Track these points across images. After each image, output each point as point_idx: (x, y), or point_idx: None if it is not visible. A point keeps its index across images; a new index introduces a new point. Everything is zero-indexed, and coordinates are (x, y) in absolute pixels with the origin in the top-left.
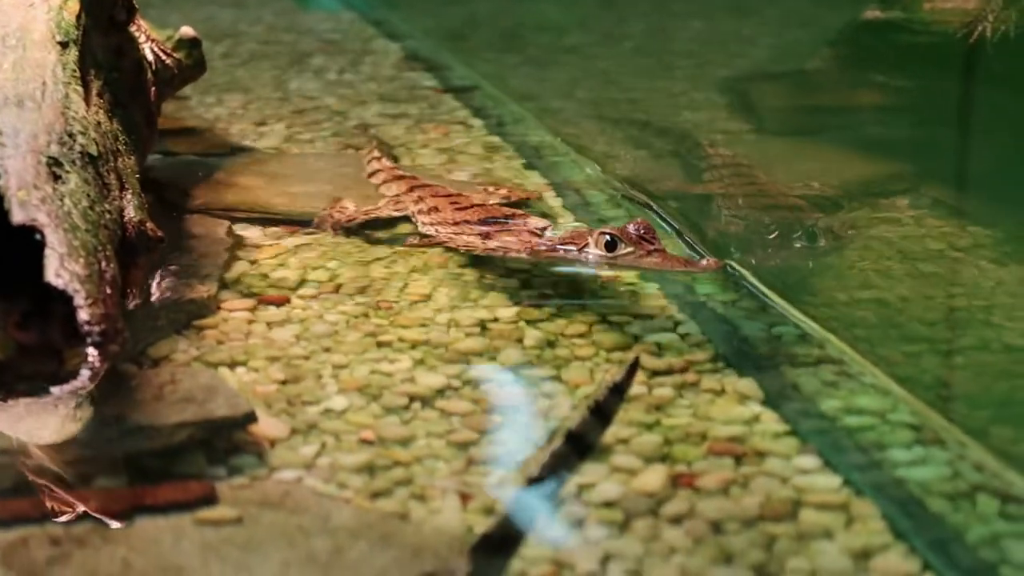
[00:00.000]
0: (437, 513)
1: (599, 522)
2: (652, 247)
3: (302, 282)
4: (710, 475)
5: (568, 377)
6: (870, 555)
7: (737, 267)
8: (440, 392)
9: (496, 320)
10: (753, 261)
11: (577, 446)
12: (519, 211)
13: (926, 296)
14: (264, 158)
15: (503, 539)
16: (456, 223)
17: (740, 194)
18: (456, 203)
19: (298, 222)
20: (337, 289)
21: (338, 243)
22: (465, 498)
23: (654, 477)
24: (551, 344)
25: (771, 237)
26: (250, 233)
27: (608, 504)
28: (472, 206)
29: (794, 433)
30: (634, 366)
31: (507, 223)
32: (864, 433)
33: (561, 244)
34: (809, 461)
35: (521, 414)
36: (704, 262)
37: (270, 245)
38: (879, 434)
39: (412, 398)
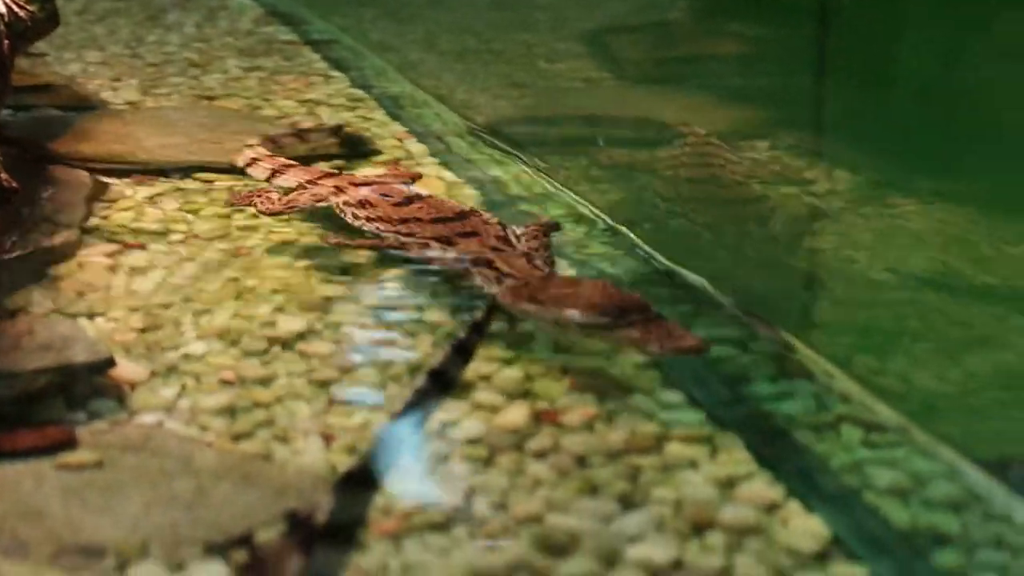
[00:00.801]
0: (300, 453)
1: (464, 458)
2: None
3: (162, 231)
4: (574, 411)
5: (430, 318)
6: (735, 484)
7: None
8: (301, 336)
9: (358, 265)
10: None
11: (439, 383)
12: (468, 207)
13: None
14: (122, 111)
15: (366, 476)
16: (403, 221)
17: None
18: (388, 196)
19: (156, 172)
20: (197, 237)
21: (199, 191)
22: (328, 438)
23: (517, 414)
24: (414, 287)
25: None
26: (109, 183)
27: (472, 441)
28: (413, 200)
29: (656, 366)
30: (494, 305)
31: (463, 222)
32: (725, 365)
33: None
34: (673, 396)
35: (383, 355)
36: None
37: (129, 195)
38: (741, 367)
39: (273, 341)
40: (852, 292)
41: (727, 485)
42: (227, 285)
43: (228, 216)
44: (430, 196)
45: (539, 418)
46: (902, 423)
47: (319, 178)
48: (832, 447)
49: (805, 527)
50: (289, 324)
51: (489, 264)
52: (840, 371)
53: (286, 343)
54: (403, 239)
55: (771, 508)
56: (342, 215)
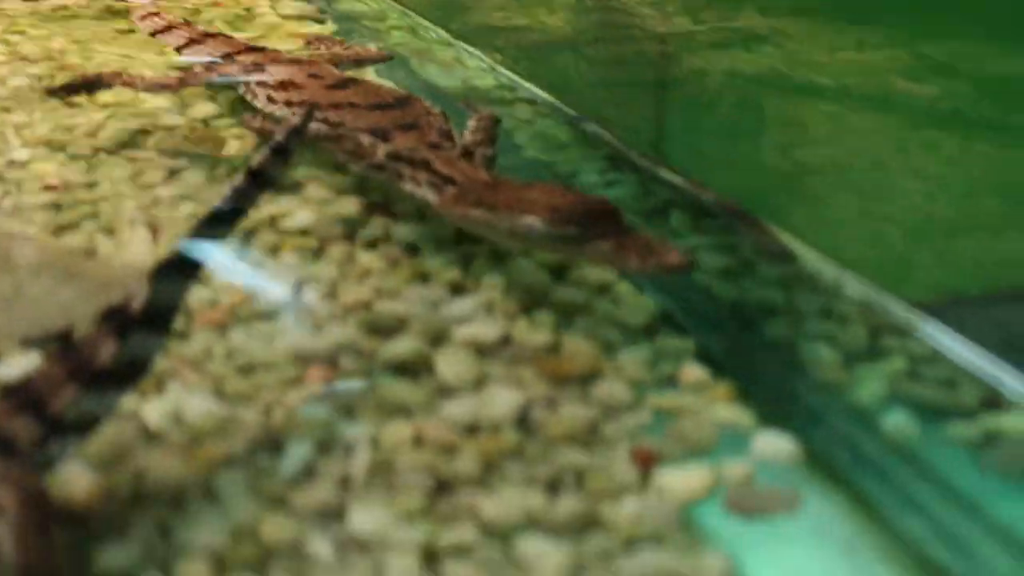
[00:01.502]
0: (125, 247)
1: (293, 249)
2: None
3: None
4: (406, 201)
5: (258, 124)
6: (567, 268)
7: None
8: (127, 143)
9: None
10: None
11: (259, 181)
12: (409, 93)
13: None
14: None
15: (184, 265)
16: (334, 107)
17: None
18: (316, 76)
19: None
20: (23, 58)
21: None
22: (155, 231)
23: (349, 205)
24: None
25: None
26: None
27: (303, 232)
28: (348, 84)
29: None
30: (312, 109)
31: (402, 111)
32: (557, 164)
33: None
34: None
35: (208, 158)
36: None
37: None
38: (571, 163)
39: (98, 149)
40: (683, 91)
41: (559, 270)
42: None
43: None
44: (366, 80)
45: (371, 209)
46: (732, 208)
47: (240, 52)
48: (663, 231)
49: (635, 304)
50: (115, 133)
51: (427, 166)
52: (667, 166)
53: (112, 150)
54: (330, 129)
55: (602, 289)
56: (253, 99)
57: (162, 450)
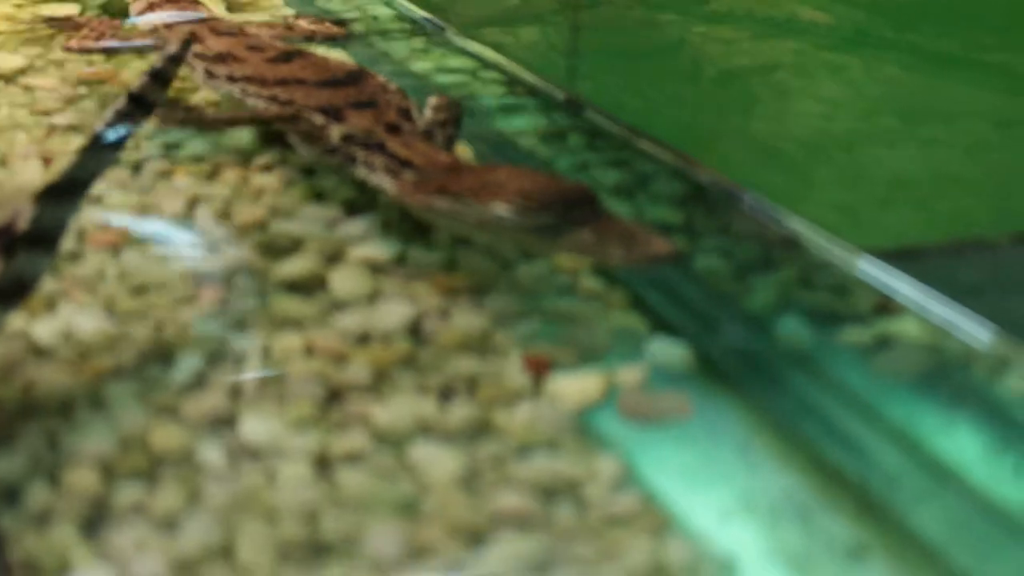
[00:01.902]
0: (17, 175)
1: (187, 174)
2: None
3: None
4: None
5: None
6: None
7: None
8: (21, 71)
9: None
10: None
11: (139, 106)
12: (362, 68)
13: None
14: None
15: (72, 185)
16: (281, 84)
17: None
18: (257, 48)
19: None
20: None
21: None
22: (47, 160)
23: (245, 135)
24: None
25: None
26: None
27: (196, 158)
28: (294, 57)
29: None
30: (190, 38)
31: (357, 88)
32: (457, 89)
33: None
34: None
35: (104, 87)
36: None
37: None
38: (470, 89)
39: None
40: (583, 18)
41: None
42: None
43: None
44: (311, 53)
45: (267, 138)
46: (625, 131)
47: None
48: (559, 151)
49: None
50: (9, 61)
51: (382, 148)
52: (561, 89)
53: (8, 78)
54: (280, 108)
55: None
56: (192, 72)
57: (51, 365)
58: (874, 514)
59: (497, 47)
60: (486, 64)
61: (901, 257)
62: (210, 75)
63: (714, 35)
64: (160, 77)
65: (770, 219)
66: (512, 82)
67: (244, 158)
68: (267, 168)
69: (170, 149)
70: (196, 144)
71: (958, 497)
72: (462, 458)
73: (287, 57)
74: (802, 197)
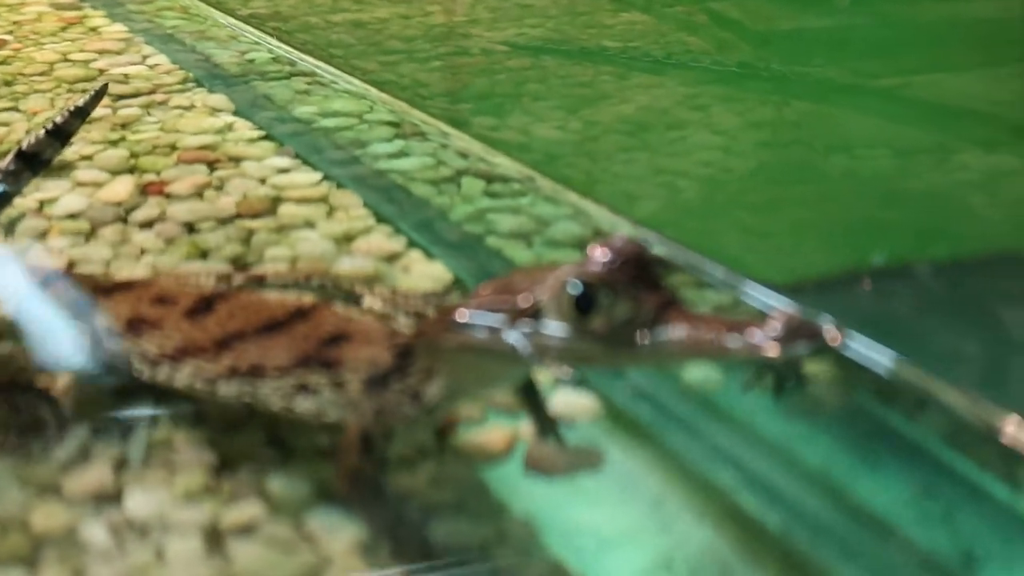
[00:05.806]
0: None
1: (63, 233)
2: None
3: None
4: (182, 181)
5: (26, 106)
6: (352, 238)
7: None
8: None
9: None
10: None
11: (31, 163)
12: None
13: (402, 16)
14: None
15: None
16: (223, 346)
17: None
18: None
19: None
20: None
21: None
22: None
23: (121, 188)
24: (7, 83)
25: None
26: None
27: (73, 215)
28: (213, 301)
29: (269, 137)
30: (101, 91)
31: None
32: (341, 133)
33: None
34: (286, 162)
35: None
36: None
37: None
38: (357, 133)
39: None
40: (468, 62)
41: (345, 240)
42: None
43: None
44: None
45: (145, 190)
46: (524, 173)
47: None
48: (453, 199)
49: (427, 271)
50: None
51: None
52: (458, 131)
53: None
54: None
55: (392, 258)
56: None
57: None
58: (799, 571)
59: (380, 86)
60: (372, 105)
61: (804, 290)
62: (147, 362)
63: (598, 72)
64: (61, 133)
65: (676, 258)
66: (399, 123)
67: (122, 213)
68: (147, 225)
69: (44, 205)
70: (71, 200)
71: (886, 547)
72: (363, 525)
73: (205, 304)
74: (704, 231)
